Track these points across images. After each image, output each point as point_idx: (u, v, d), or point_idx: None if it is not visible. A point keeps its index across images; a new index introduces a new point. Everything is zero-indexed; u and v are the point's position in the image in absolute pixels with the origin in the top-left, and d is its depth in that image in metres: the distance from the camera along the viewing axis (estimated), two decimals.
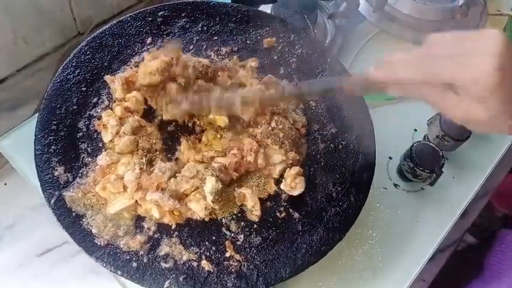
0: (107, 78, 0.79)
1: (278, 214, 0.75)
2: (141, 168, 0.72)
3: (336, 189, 0.78)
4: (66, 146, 0.75)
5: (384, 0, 1.12)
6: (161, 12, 0.89)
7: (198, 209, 0.71)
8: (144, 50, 0.85)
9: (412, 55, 0.51)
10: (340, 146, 0.81)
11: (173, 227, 0.71)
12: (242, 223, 0.73)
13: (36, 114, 0.77)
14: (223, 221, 0.73)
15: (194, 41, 0.88)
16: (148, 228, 0.71)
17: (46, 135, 0.74)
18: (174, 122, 0.78)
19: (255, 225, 0.73)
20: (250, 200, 0.72)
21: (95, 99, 0.79)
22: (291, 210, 0.75)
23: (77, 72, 0.80)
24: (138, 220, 0.71)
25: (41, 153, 0.73)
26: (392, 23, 1.14)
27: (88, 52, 0.83)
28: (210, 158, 0.74)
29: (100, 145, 0.76)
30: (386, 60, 0.53)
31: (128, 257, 0.68)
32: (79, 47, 0.83)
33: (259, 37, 0.90)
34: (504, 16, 1.23)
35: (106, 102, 0.79)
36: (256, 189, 0.75)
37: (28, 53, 0.87)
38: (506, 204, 1.43)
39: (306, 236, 0.73)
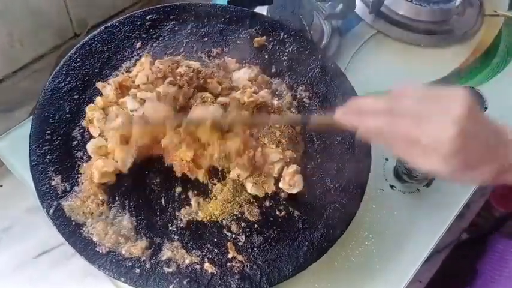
0: (99, 85, 0.79)
1: (278, 213, 0.75)
2: None
3: (334, 185, 0.78)
4: (61, 155, 0.74)
5: (380, 1, 1.12)
6: (149, 16, 0.88)
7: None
8: (135, 54, 0.85)
9: (380, 105, 0.51)
10: (336, 142, 0.82)
11: (174, 229, 0.71)
12: (243, 224, 0.73)
13: (32, 117, 0.77)
14: (224, 222, 0.73)
15: (184, 44, 0.88)
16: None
17: (41, 145, 0.74)
18: None
19: (256, 225, 0.73)
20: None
21: None
22: (290, 208, 0.76)
23: (67, 80, 0.80)
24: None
25: (36, 164, 0.72)
26: (388, 24, 1.15)
27: (78, 59, 0.82)
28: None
29: None
30: (354, 105, 0.54)
31: (131, 264, 0.68)
32: (68, 54, 0.82)
33: (249, 37, 0.90)
34: (500, 17, 1.24)
35: None
36: (254, 187, 0.75)
37: (24, 55, 0.87)
38: (504, 203, 1.44)
39: (306, 233, 0.74)
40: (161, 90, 0.74)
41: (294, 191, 0.75)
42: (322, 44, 1.05)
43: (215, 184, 0.75)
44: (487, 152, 0.48)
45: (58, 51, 0.92)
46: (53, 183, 0.71)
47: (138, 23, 0.87)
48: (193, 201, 0.74)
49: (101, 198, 0.72)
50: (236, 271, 0.70)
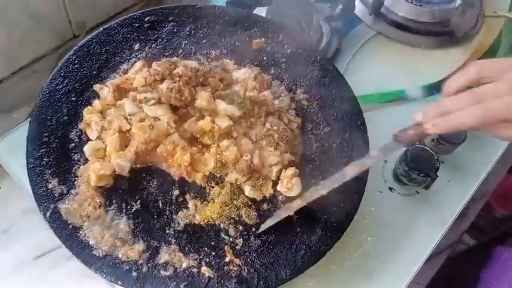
0: (96, 87, 0.78)
1: None
2: None
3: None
4: (58, 157, 0.74)
5: (380, 2, 1.12)
6: (148, 18, 0.88)
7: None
8: (133, 56, 0.85)
9: (464, 99, 0.54)
10: (334, 145, 0.82)
11: (171, 233, 0.71)
12: (240, 227, 0.73)
13: (30, 119, 0.77)
14: (222, 225, 0.73)
15: (183, 45, 0.87)
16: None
17: (38, 148, 0.74)
18: None
19: (254, 229, 0.73)
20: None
21: None
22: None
23: (65, 82, 0.79)
24: None
25: (33, 166, 0.72)
26: (388, 26, 1.14)
27: (76, 61, 0.82)
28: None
29: None
30: (435, 110, 0.56)
31: (128, 267, 0.68)
32: (66, 56, 0.82)
33: (247, 38, 0.89)
34: (501, 17, 1.23)
35: None
36: (252, 190, 0.75)
37: (23, 56, 0.87)
38: (505, 204, 1.43)
39: (304, 236, 0.73)
40: (162, 90, 0.74)
41: (292, 194, 0.75)
42: (321, 45, 1.04)
43: (213, 187, 0.75)
44: None
45: (57, 53, 0.92)
46: (50, 186, 0.71)
47: (137, 25, 0.87)
48: (190, 204, 0.74)
49: (98, 201, 0.71)
50: (233, 275, 0.69)
